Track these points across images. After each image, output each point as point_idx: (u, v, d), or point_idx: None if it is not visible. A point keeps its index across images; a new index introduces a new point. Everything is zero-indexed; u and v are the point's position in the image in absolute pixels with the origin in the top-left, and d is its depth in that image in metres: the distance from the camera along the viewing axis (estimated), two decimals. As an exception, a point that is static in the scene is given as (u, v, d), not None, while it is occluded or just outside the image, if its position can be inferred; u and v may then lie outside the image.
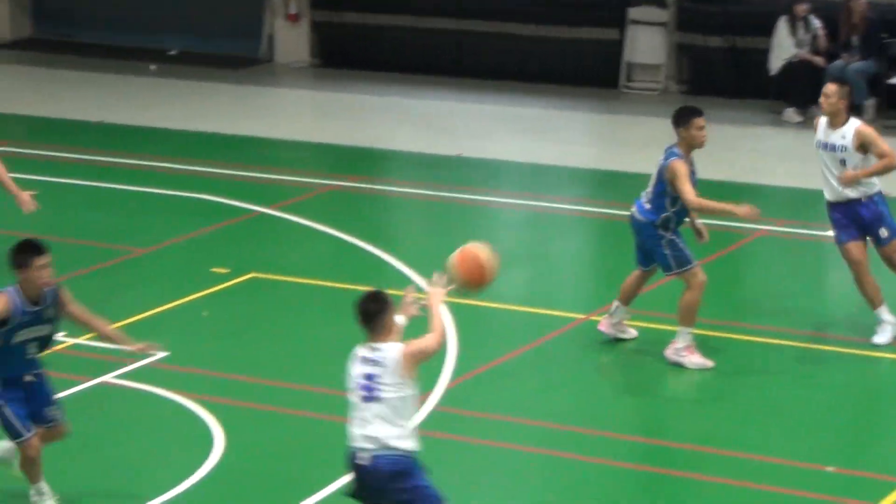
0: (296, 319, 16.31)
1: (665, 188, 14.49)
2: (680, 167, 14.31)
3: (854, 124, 14.78)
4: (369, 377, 10.41)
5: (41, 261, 11.41)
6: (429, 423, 13.67)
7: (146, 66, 26.05)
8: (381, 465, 10.20)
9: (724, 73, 24.43)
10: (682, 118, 14.67)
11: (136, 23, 27.85)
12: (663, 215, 14.59)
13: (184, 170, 20.81)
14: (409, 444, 10.23)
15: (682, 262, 14.66)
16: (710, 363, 14.76)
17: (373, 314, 10.55)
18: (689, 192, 14.31)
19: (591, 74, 24.92)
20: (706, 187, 18.44)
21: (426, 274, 16.76)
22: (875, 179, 14.95)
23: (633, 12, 24.79)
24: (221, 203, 19.48)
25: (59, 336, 15.38)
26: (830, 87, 14.87)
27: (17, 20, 29.00)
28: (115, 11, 28.14)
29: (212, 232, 18.58)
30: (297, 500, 12.49)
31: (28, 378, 11.75)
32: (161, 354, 15.02)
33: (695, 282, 14.66)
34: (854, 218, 14.96)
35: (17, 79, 26.29)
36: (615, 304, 15.21)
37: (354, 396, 10.44)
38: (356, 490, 10.36)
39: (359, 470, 10.28)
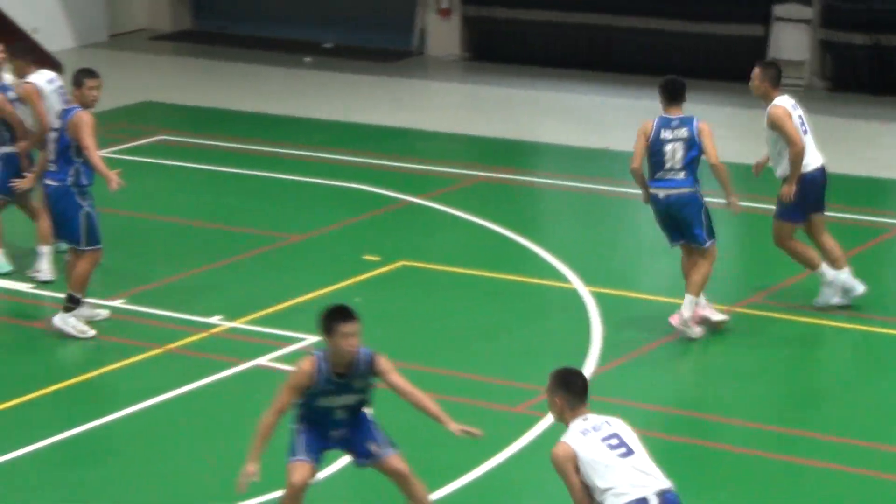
0: (444, 306, 16.42)
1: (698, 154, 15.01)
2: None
3: None
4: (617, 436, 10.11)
5: (347, 328, 10.88)
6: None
7: (301, 59, 26.24)
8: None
9: (868, 70, 24.24)
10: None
11: (292, 16, 28.09)
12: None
13: (337, 160, 20.99)
14: None
15: (712, 232, 15.05)
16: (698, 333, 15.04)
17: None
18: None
19: (736, 70, 24.79)
20: (848, 183, 18.42)
21: (571, 264, 16.91)
22: None
23: (779, 9, 24.69)
24: (373, 192, 19.63)
25: (215, 319, 15.77)
26: None
27: (178, 13, 29.34)
28: (272, 5, 28.43)
29: (364, 220, 18.73)
30: (442, 483, 12.58)
31: (335, 433, 11.23)
32: (314, 339, 15.20)
33: (713, 253, 14.98)
34: None
35: (177, 70, 26.61)
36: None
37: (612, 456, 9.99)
38: None
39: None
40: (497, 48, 26.29)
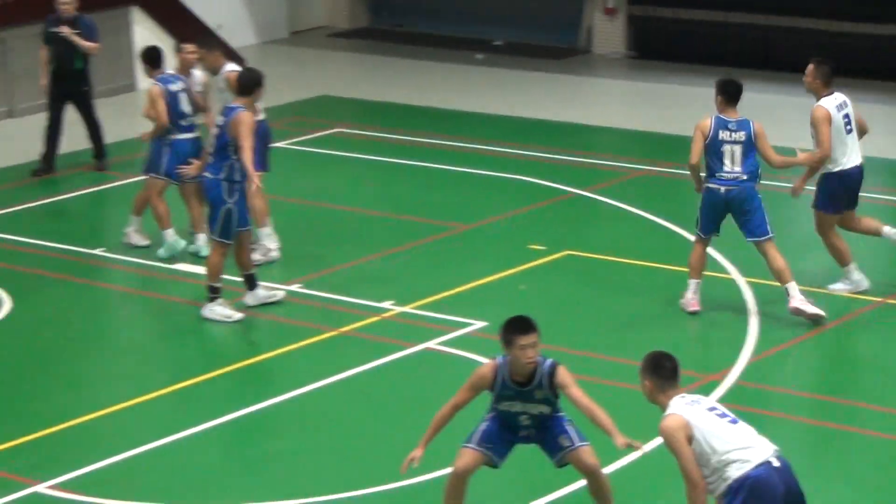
0: (606, 294, 16.42)
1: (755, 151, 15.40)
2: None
3: None
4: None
5: (524, 340, 10.72)
6: (729, 396, 13.75)
7: (473, 55, 26.35)
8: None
9: None
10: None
11: (464, 14, 28.22)
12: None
13: (505, 153, 21.06)
14: None
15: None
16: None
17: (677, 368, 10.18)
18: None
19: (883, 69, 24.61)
20: None
21: (729, 256, 16.88)
22: None
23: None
24: (540, 184, 19.68)
25: (387, 304, 15.92)
26: None
27: (356, 11, 29.59)
28: (446, 4, 28.56)
29: (531, 211, 18.79)
30: (607, 462, 12.61)
31: (523, 433, 11.11)
32: (480, 324, 15.35)
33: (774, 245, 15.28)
34: None
35: (353, 65, 26.84)
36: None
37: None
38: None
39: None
40: (660, 46, 26.26)
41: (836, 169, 15.71)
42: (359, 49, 27.78)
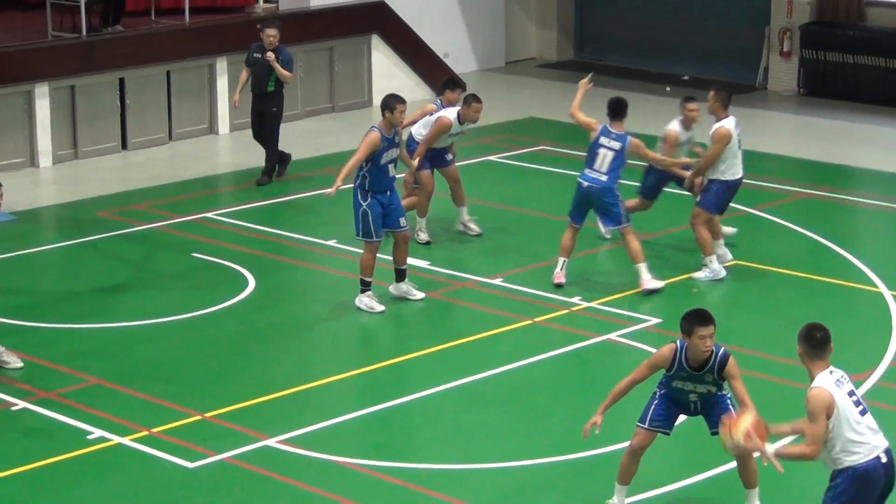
0: (771, 300, 16.32)
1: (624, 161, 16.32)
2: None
3: None
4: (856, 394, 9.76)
5: (703, 331, 10.66)
6: (871, 394, 13.58)
7: (663, 88, 26.19)
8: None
9: None
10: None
11: (657, 51, 28.11)
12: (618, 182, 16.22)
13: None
14: None
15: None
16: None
17: (823, 343, 9.82)
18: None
19: None
20: None
21: (878, 272, 16.62)
22: None
23: None
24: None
25: (575, 299, 15.92)
26: None
27: (562, 45, 29.60)
28: (640, 41, 28.45)
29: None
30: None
31: (690, 409, 11.17)
32: (656, 320, 15.31)
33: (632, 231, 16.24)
34: None
35: (559, 92, 26.63)
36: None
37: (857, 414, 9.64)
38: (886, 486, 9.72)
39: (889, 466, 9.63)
40: (828, 86, 25.89)
41: (728, 178, 16.58)
42: (563, 79, 27.70)
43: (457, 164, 18.23)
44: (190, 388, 13.83)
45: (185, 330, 15.41)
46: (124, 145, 22.64)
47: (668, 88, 26.03)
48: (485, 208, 19.49)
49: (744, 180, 16.92)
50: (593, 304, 15.86)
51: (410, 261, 17.02)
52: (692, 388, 10.98)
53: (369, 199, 15.56)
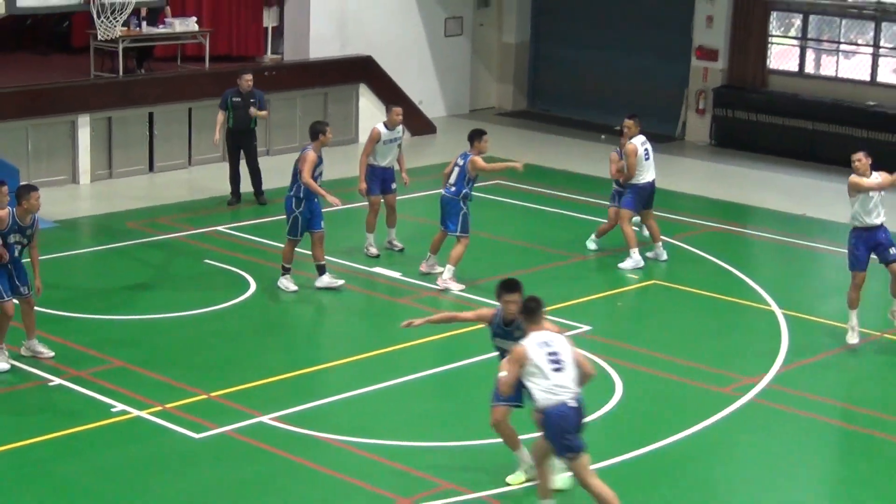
0: (680, 313, 16.31)
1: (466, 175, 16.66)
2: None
3: None
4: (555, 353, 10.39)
5: (508, 297, 11.09)
6: (764, 394, 13.62)
7: (599, 136, 26.23)
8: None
9: None
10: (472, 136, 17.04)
11: (596, 104, 28.04)
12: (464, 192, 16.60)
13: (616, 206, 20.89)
14: None
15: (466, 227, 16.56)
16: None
17: (535, 309, 10.64)
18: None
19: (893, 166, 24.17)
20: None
21: (771, 293, 16.68)
22: None
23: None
24: (639, 231, 19.56)
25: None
26: None
27: (517, 97, 29.60)
28: (582, 95, 28.40)
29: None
30: (665, 436, 12.55)
31: None
32: (586, 328, 15.30)
33: (465, 241, 16.59)
34: None
35: (514, 137, 26.72)
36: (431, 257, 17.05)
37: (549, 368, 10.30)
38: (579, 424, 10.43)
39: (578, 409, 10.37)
40: (735, 139, 25.96)
41: (640, 182, 17.71)
42: (518, 126, 27.74)
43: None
44: (198, 371, 13.79)
45: (195, 323, 15.38)
46: (151, 168, 22.58)
47: (602, 137, 26.08)
48: (449, 230, 19.52)
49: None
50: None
51: (384, 271, 17.10)
52: (506, 347, 11.13)
53: (302, 207, 16.16)
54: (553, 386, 10.21)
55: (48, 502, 10.98)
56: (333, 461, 11.76)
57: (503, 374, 10.57)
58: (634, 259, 17.51)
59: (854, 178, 14.74)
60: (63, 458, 11.68)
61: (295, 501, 11.06)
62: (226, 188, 21.23)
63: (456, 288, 16.41)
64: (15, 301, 13.44)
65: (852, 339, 14.84)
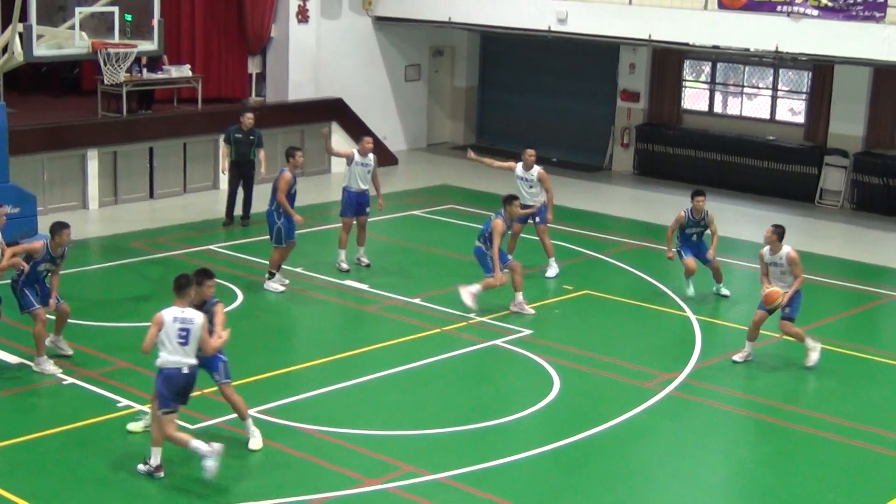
0: (609, 319, 16.32)
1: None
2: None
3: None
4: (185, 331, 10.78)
5: (208, 282, 11.28)
6: (681, 388, 13.68)
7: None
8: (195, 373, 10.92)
9: (881, 199, 23.59)
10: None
11: (535, 138, 27.66)
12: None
13: (551, 227, 20.83)
14: None
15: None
16: None
17: (184, 286, 10.91)
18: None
19: (790, 193, 24.38)
20: (854, 265, 17.81)
21: (688, 303, 16.71)
22: None
23: (828, 158, 24.13)
24: (572, 248, 19.57)
25: (471, 315, 15.83)
26: None
27: (467, 132, 29.70)
28: (522, 130, 28.40)
29: (567, 264, 18.46)
30: (596, 424, 12.58)
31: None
32: (527, 332, 15.33)
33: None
34: None
35: (464, 168, 26.81)
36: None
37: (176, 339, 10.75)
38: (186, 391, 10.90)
39: (189, 377, 10.83)
40: (655, 169, 26.13)
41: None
42: (464, 156, 27.84)
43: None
44: (193, 371, 13.71)
45: (191, 329, 15.28)
46: (151, 195, 22.48)
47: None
48: (409, 248, 19.51)
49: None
50: (485, 319, 15.88)
51: (354, 283, 17.10)
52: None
53: (282, 219, 16.53)
54: (172, 353, 10.74)
55: (63, 485, 10.91)
56: (309, 447, 11.74)
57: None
58: (555, 267, 17.94)
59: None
60: (75, 447, 11.60)
61: (275, 482, 11.02)
62: (216, 211, 21.18)
63: (527, 312, 16.08)
64: (46, 309, 13.39)
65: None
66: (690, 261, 16.67)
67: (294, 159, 16.67)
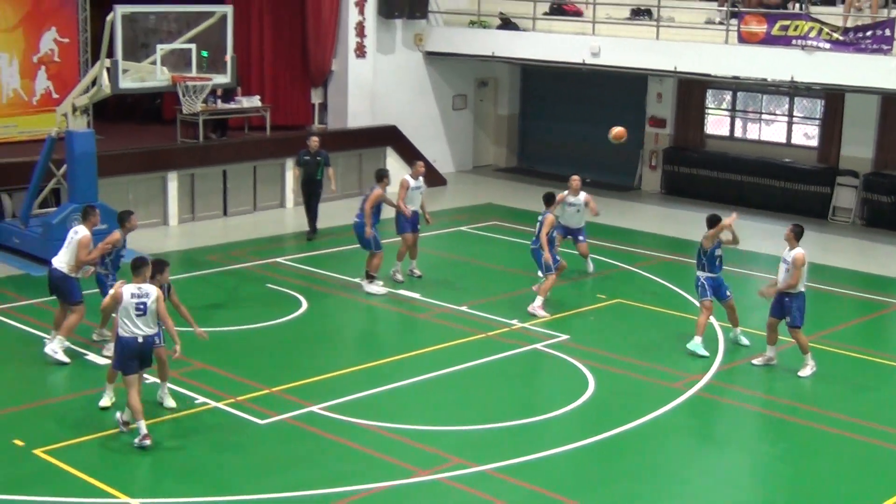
0: (640, 324, 16.24)
1: None
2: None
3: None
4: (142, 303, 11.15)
5: (147, 272, 11.49)
6: (705, 389, 13.55)
7: (573, 186, 26.25)
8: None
9: (888, 215, 23.31)
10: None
11: (571, 161, 28.01)
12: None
13: (586, 242, 20.72)
14: None
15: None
16: None
17: (141, 266, 11.29)
18: None
19: (805, 211, 24.13)
20: (862, 276, 17.53)
21: (717, 311, 16.54)
22: None
23: (840, 178, 23.91)
24: (607, 262, 19.46)
25: (514, 321, 15.74)
26: None
27: (510, 156, 29.66)
28: (560, 155, 28.43)
29: (599, 276, 18.47)
30: (628, 421, 12.47)
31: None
32: (565, 336, 15.25)
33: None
34: None
35: (507, 187, 26.82)
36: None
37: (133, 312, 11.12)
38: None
39: (143, 346, 11.23)
40: (680, 189, 25.98)
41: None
42: (510, 178, 27.80)
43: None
44: (263, 371, 13.77)
45: (260, 334, 15.35)
46: (225, 213, 22.62)
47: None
48: (457, 261, 19.50)
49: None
50: (525, 325, 15.83)
51: (407, 293, 17.07)
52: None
53: (375, 230, 16.84)
54: (130, 324, 11.10)
55: (152, 472, 11.00)
56: (367, 441, 11.74)
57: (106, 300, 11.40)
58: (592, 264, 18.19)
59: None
60: (159, 439, 11.64)
61: (334, 472, 11.03)
62: (282, 229, 21.30)
63: (541, 314, 16.12)
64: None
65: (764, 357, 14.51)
66: (705, 310, 14.78)
67: (383, 181, 16.95)
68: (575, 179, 17.99)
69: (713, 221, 14.79)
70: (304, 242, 20.48)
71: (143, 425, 11.22)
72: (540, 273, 16.42)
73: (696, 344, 14.60)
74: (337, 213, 22.21)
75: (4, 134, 21.33)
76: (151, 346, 11.39)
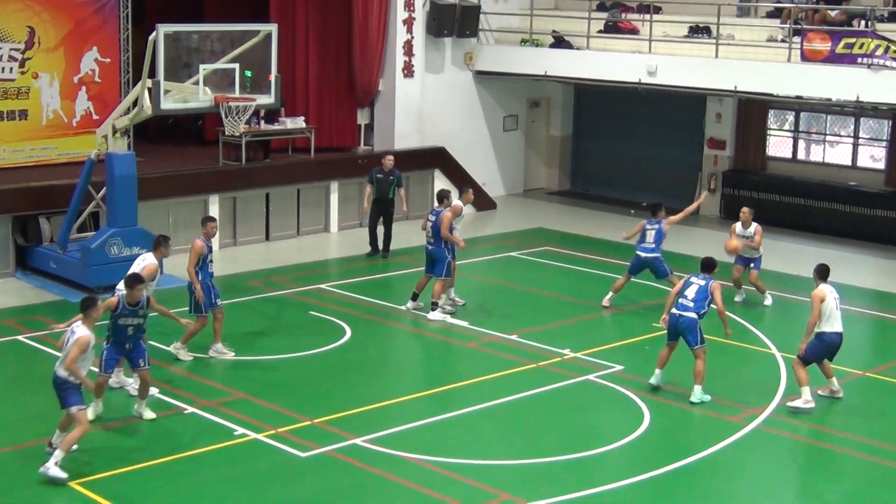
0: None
1: None
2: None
3: None
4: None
5: (140, 286, 12.29)
6: (766, 423, 13.39)
7: (628, 211, 26.17)
8: None
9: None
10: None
11: (626, 184, 28.05)
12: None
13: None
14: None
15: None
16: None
17: (87, 306, 11.41)
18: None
19: (871, 236, 23.82)
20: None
21: (774, 340, 16.34)
22: None
23: (911, 202, 23.59)
24: (656, 287, 19.36)
25: (566, 351, 15.72)
26: None
27: (562, 179, 29.64)
28: (614, 177, 28.43)
29: (654, 304, 18.39)
30: (685, 456, 12.37)
31: (128, 345, 12.63)
32: (619, 367, 15.16)
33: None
34: None
35: (558, 211, 26.76)
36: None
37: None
38: None
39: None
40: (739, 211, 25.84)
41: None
42: (563, 202, 27.76)
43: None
44: (304, 401, 13.81)
45: (302, 363, 15.40)
46: (267, 237, 22.77)
47: (632, 211, 26.02)
48: (506, 288, 19.46)
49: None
50: (578, 355, 15.76)
51: (454, 321, 17.04)
52: (130, 322, 12.20)
53: (450, 255, 17.06)
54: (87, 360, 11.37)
55: (184, 507, 11.06)
56: (412, 475, 11.71)
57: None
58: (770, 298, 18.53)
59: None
60: (197, 472, 11.71)
61: (381, 508, 11.01)
62: (326, 254, 21.39)
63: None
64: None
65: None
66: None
67: (447, 200, 17.26)
68: (745, 212, 18.81)
69: (709, 265, 14.69)
70: (348, 269, 20.55)
71: (60, 455, 11.29)
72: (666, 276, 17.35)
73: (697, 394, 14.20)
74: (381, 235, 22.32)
75: (43, 156, 21.63)
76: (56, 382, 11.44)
